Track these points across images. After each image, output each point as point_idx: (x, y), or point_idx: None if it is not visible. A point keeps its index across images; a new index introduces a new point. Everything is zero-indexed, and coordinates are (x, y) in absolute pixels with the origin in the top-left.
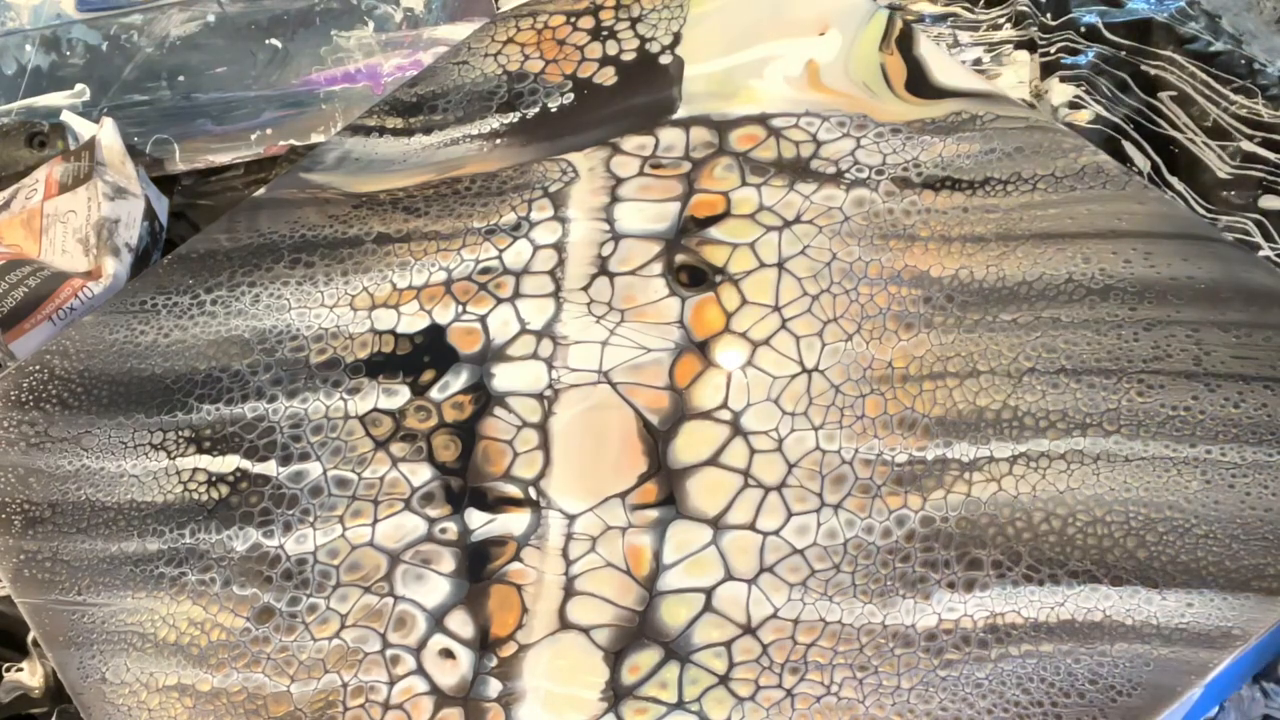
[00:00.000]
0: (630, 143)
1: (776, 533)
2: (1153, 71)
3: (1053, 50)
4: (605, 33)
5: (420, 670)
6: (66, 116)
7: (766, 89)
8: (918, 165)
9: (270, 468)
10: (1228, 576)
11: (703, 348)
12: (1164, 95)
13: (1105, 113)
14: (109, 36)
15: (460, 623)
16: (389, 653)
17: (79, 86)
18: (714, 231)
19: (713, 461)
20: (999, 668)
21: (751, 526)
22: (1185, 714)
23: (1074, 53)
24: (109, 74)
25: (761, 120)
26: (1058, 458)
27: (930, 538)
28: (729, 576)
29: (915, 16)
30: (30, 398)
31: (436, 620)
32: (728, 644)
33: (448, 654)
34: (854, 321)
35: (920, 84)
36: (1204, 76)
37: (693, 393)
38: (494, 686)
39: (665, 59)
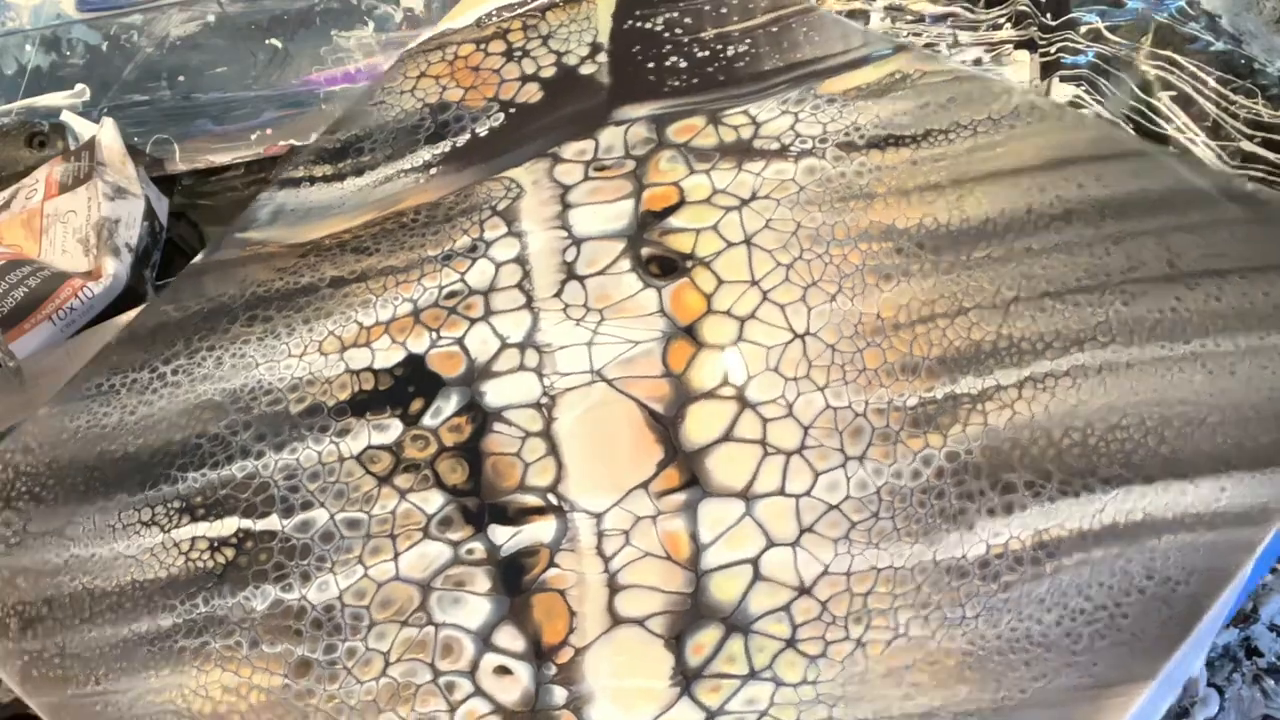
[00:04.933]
0: (570, 150)
1: (808, 493)
2: (1153, 71)
3: (1053, 50)
4: (519, 53)
5: (479, 692)
6: (66, 116)
7: None
8: (858, 129)
9: (273, 523)
10: (1252, 456)
11: (690, 331)
12: (1164, 95)
13: (1105, 113)
14: (109, 36)
15: (509, 638)
16: (442, 680)
17: (79, 86)
18: (674, 221)
19: (727, 437)
20: (1057, 580)
21: (781, 492)
22: (1241, 589)
23: (1074, 53)
24: (109, 74)
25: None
26: (1062, 375)
27: (959, 471)
28: (771, 543)
29: (915, 16)
30: None
31: (484, 640)
32: (786, 607)
33: (504, 671)
34: (833, 282)
35: None
36: (1204, 76)
37: (691, 376)
38: (559, 694)
39: (586, 69)
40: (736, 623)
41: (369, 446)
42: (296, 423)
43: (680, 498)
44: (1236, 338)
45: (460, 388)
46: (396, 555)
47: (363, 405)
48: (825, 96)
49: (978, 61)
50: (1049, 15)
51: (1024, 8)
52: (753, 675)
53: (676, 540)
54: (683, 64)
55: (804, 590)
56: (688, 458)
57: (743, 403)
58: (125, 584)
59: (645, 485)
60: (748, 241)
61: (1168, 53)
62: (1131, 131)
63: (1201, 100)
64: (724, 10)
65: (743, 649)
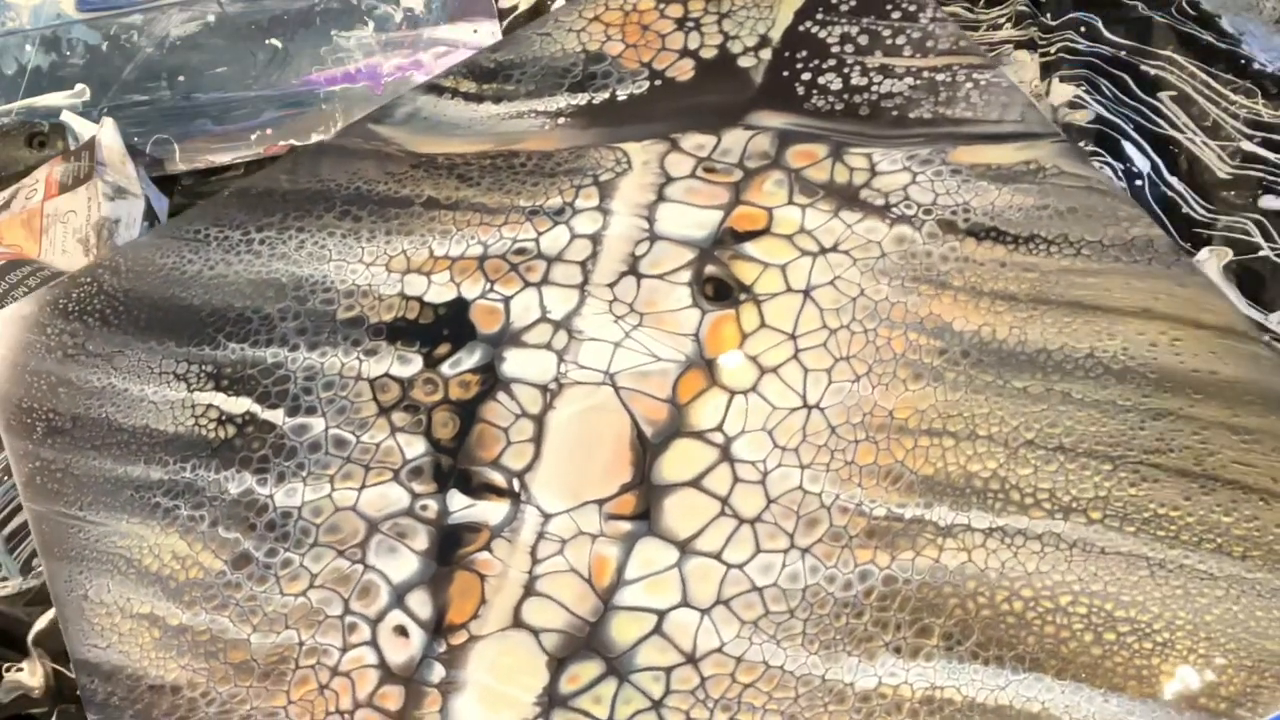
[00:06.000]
0: (690, 141)
1: (741, 566)
2: (1153, 72)
3: (1053, 50)
4: (691, 24)
5: (373, 642)
6: (66, 116)
7: None
8: (967, 210)
9: (278, 416)
10: (1178, 692)
11: (711, 366)
12: (1164, 95)
13: (1105, 113)
14: (109, 36)
15: (420, 602)
16: (348, 620)
17: (79, 86)
18: (749, 247)
19: (695, 483)
20: None
21: (718, 556)
22: None
23: (1074, 53)
24: (109, 74)
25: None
26: (1034, 538)
27: (888, 597)
28: (684, 603)
29: None
30: (76, 309)
31: (399, 596)
32: (668, 670)
33: (402, 631)
34: (865, 363)
35: None
36: (1204, 76)
37: (691, 410)
38: (438, 672)
39: (745, 61)
40: (618, 667)
41: (386, 374)
42: (337, 328)
43: (626, 527)
44: (1224, 562)
45: (486, 346)
46: (362, 487)
47: (398, 332)
48: (951, 165)
49: None
50: (1049, 15)
51: (1024, 8)
52: None
53: (604, 567)
54: (835, 84)
55: (691, 660)
56: (651, 490)
57: (725, 454)
58: (139, 427)
59: (601, 503)
60: (806, 292)
61: (1168, 52)
62: (1235, 300)
63: (1201, 100)
64: (901, 41)
65: (612, 694)
